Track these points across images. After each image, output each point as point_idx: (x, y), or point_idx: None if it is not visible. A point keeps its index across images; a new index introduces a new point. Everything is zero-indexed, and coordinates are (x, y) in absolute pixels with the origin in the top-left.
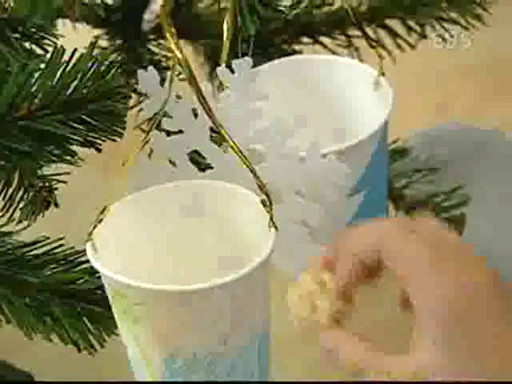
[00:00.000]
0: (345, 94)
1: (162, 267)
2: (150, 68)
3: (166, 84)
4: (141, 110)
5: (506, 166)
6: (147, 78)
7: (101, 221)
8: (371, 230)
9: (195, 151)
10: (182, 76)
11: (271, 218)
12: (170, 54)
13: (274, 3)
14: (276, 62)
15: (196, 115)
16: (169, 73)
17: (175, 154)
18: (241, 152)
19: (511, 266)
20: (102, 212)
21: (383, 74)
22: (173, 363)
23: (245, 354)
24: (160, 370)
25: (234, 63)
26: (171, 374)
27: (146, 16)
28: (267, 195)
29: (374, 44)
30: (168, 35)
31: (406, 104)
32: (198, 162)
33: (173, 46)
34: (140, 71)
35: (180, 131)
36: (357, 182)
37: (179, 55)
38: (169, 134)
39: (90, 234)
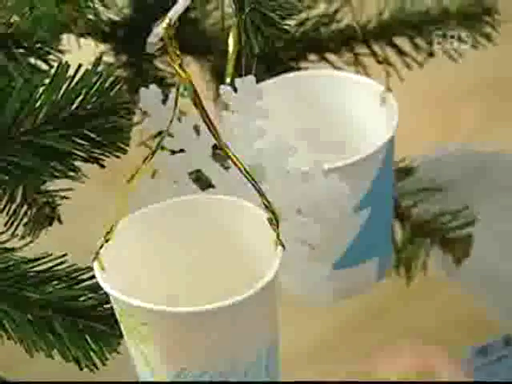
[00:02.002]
0: (348, 108)
1: (168, 283)
2: (152, 86)
3: (171, 103)
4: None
5: (508, 187)
6: (149, 96)
7: (108, 240)
8: None
9: (197, 171)
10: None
11: (278, 236)
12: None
13: (279, 22)
14: (279, 77)
15: (198, 133)
16: (173, 94)
17: (177, 173)
18: (246, 170)
19: None
20: (109, 231)
21: (390, 90)
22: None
23: (252, 370)
24: None
25: (237, 82)
26: None
27: (150, 39)
28: (273, 213)
29: (380, 60)
30: (174, 57)
31: (412, 123)
32: (199, 180)
33: (177, 69)
34: (142, 89)
35: (182, 150)
36: (360, 199)
37: (183, 75)
38: (173, 152)
39: (97, 253)
